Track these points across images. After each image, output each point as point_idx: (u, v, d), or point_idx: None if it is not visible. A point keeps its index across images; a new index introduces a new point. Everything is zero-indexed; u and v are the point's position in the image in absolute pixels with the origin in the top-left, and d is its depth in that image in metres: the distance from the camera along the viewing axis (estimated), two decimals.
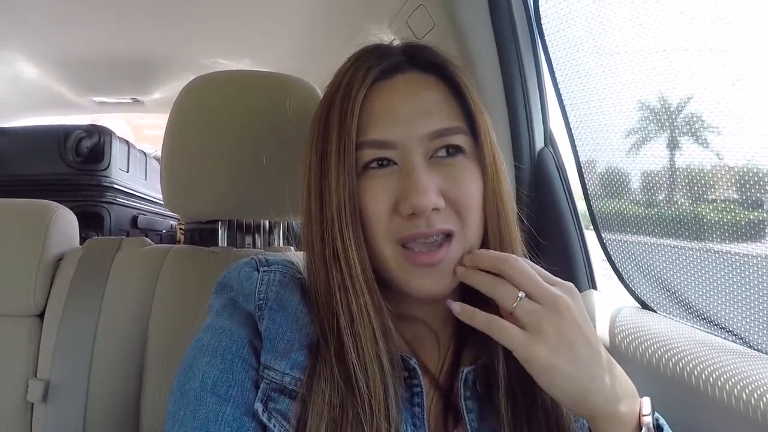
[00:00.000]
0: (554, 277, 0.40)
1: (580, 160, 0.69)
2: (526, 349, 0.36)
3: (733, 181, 0.49)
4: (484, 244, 0.43)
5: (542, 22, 0.71)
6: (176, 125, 0.68)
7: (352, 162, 0.40)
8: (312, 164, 0.43)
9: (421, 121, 0.41)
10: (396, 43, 0.47)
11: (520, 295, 0.37)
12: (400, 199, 0.40)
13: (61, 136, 1.22)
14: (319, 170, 0.42)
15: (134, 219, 1.42)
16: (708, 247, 0.52)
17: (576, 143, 0.69)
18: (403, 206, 0.39)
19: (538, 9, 0.71)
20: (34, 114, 1.74)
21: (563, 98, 0.69)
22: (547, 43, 0.70)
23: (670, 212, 0.57)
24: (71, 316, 0.66)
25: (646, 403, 0.38)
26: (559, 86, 0.69)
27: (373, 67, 0.42)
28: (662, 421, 0.39)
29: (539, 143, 0.79)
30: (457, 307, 0.40)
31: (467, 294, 0.43)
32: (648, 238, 0.60)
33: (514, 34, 0.75)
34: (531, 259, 0.46)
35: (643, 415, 0.37)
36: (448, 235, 0.41)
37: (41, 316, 0.68)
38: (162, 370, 0.64)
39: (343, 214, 0.40)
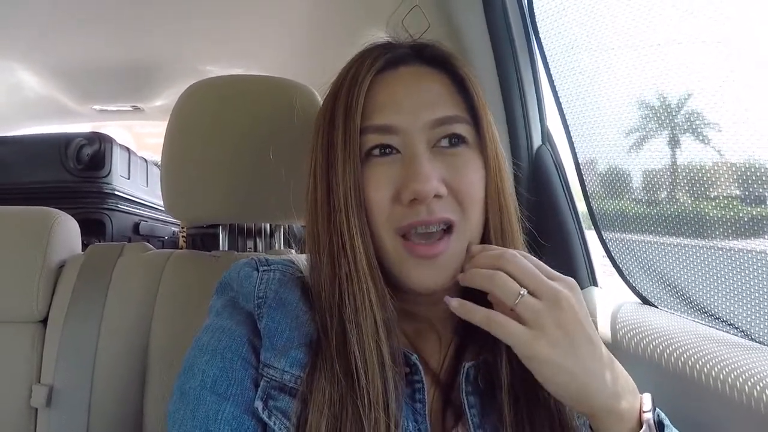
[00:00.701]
0: (554, 272, 0.39)
1: (578, 157, 0.69)
2: (528, 345, 0.35)
3: (733, 177, 0.49)
4: (485, 238, 0.43)
5: (537, 20, 0.71)
6: (176, 130, 0.68)
7: (357, 149, 0.41)
8: (318, 155, 0.43)
9: (425, 110, 0.41)
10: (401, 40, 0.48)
11: (522, 292, 0.36)
12: (402, 186, 0.40)
13: (62, 143, 1.22)
14: (326, 160, 0.42)
15: (136, 226, 1.42)
16: (709, 244, 0.52)
17: (573, 140, 0.69)
18: (404, 193, 0.39)
19: (533, 7, 0.71)
20: (35, 123, 1.75)
21: (560, 95, 0.69)
22: (542, 40, 0.70)
23: (668, 208, 0.57)
24: (74, 322, 0.66)
25: (646, 400, 0.37)
26: (555, 84, 0.69)
27: (379, 57, 0.43)
28: (663, 416, 0.39)
29: (537, 141, 0.79)
30: (455, 303, 0.39)
31: (468, 292, 0.43)
32: (647, 235, 0.60)
33: (509, 32, 0.76)
34: (529, 252, 0.46)
35: (644, 412, 0.36)
36: (448, 228, 0.41)
37: (44, 322, 0.68)
38: (164, 374, 0.65)
39: (349, 201, 0.40)
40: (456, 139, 0.42)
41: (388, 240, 0.41)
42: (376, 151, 0.42)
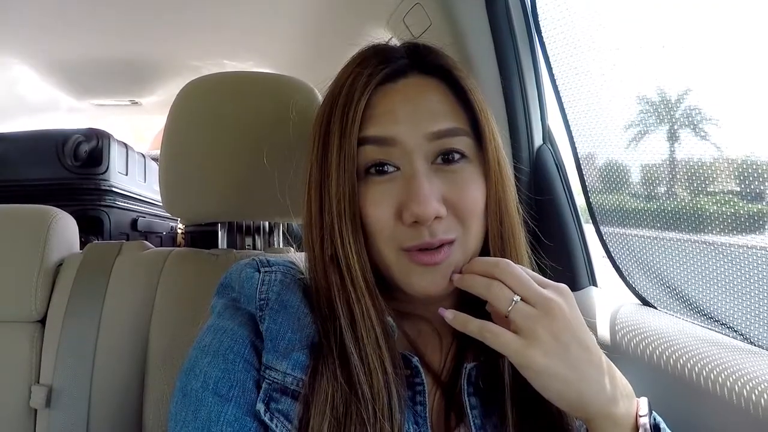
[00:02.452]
0: (546, 280, 0.39)
1: (579, 156, 0.69)
2: (521, 354, 0.36)
3: (735, 173, 0.49)
4: (485, 249, 0.43)
5: (539, 18, 0.70)
6: (174, 127, 0.68)
7: (353, 167, 0.40)
8: (313, 168, 0.43)
9: (424, 121, 0.41)
10: (397, 43, 0.46)
11: (515, 298, 0.37)
12: (402, 206, 0.39)
13: (59, 140, 1.21)
14: (320, 174, 0.42)
15: (134, 222, 1.42)
16: (708, 241, 0.52)
17: (575, 139, 0.69)
18: (405, 214, 0.39)
19: (535, 5, 0.71)
20: (32, 118, 1.74)
21: (561, 95, 0.69)
22: (545, 39, 0.70)
23: (669, 206, 0.57)
24: (73, 321, 0.66)
25: (643, 404, 0.38)
26: (557, 83, 0.69)
27: (376, 72, 0.42)
28: (660, 420, 0.39)
29: (538, 140, 0.79)
30: (450, 315, 0.40)
31: (465, 298, 0.43)
32: (647, 231, 0.60)
33: (512, 31, 0.75)
34: (531, 257, 0.46)
35: (640, 416, 0.37)
36: (449, 242, 0.41)
37: (43, 321, 0.68)
38: (164, 372, 0.64)
39: (343, 219, 0.40)
40: (456, 155, 0.42)
41: (392, 255, 0.41)
42: (374, 170, 0.41)
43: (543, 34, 0.70)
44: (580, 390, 0.36)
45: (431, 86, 0.43)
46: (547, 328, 0.36)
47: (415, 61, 0.44)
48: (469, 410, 0.41)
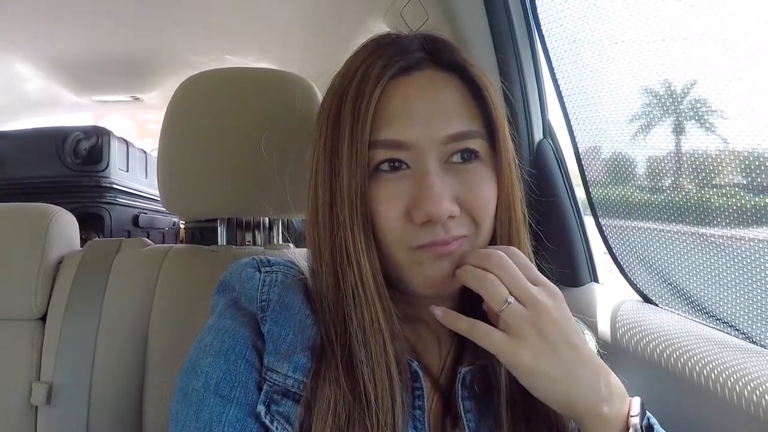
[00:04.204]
0: (539, 276, 0.39)
1: (580, 150, 0.68)
2: (510, 354, 0.36)
3: (741, 166, 0.48)
4: (492, 244, 0.42)
5: (538, 11, 0.69)
6: (172, 124, 0.67)
7: (365, 163, 0.39)
8: (320, 163, 0.41)
9: (439, 123, 0.39)
10: (412, 34, 0.44)
11: (509, 300, 0.36)
12: (413, 205, 0.38)
13: (59, 138, 1.21)
14: (330, 171, 0.40)
15: (135, 218, 1.42)
16: (711, 237, 0.51)
17: (575, 134, 0.68)
18: (416, 213, 0.38)
19: None
20: (33, 115, 1.74)
21: (561, 89, 0.68)
22: (544, 33, 0.69)
23: (671, 200, 0.56)
24: (73, 319, 0.66)
25: (635, 404, 0.37)
26: (557, 77, 0.68)
27: (390, 64, 0.40)
28: (654, 421, 0.38)
29: (538, 135, 0.78)
30: (440, 312, 0.39)
31: (465, 301, 0.43)
32: (649, 225, 0.59)
33: (510, 24, 0.74)
34: (533, 253, 0.45)
35: (631, 416, 0.36)
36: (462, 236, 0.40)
37: (43, 319, 0.68)
38: (163, 369, 0.65)
39: (354, 217, 0.38)
40: (469, 154, 0.40)
41: (401, 255, 0.40)
42: (385, 166, 0.40)
43: (542, 28, 0.69)
44: (569, 389, 0.35)
45: (447, 82, 0.42)
46: (535, 327, 0.36)
47: (431, 54, 0.42)
48: (463, 414, 0.41)
